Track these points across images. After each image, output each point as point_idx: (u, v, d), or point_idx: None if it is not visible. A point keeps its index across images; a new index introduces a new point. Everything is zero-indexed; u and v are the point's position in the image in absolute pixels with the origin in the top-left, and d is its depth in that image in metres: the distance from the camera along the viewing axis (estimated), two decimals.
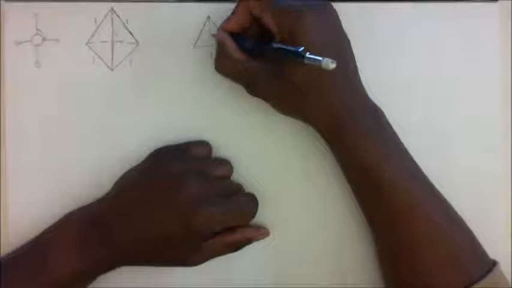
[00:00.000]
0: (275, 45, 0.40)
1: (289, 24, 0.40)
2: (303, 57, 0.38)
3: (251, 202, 0.44)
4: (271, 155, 0.46)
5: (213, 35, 0.45)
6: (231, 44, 0.42)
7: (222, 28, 0.43)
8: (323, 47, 0.40)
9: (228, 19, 0.43)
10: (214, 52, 0.46)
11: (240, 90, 0.45)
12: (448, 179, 0.42)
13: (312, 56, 0.37)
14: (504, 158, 0.46)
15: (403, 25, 0.46)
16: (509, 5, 0.47)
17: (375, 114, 0.42)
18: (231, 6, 0.44)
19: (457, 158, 0.46)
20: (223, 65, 0.43)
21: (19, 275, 0.41)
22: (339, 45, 0.41)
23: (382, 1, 0.46)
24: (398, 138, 0.42)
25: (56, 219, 0.43)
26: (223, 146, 0.46)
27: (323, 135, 0.43)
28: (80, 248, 0.41)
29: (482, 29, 0.47)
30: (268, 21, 0.41)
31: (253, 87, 0.43)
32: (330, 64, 0.36)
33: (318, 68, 0.37)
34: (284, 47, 0.40)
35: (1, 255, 0.43)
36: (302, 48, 0.38)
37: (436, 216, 0.41)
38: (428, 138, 0.45)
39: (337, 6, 0.42)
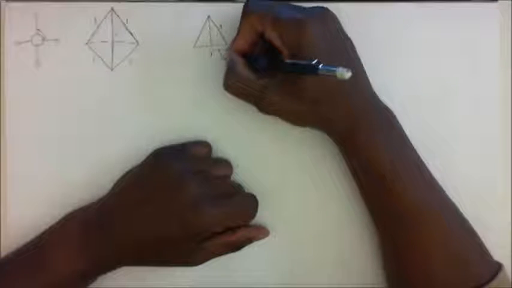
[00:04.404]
0: (287, 61, 0.40)
1: (292, 35, 0.40)
2: (317, 69, 0.37)
3: (251, 202, 0.44)
4: (271, 155, 0.46)
5: (225, 58, 0.45)
6: (239, 62, 0.42)
7: (231, 48, 0.42)
8: (330, 54, 0.40)
9: (235, 39, 0.42)
10: (214, 52, 0.46)
11: None
12: (446, 180, 0.42)
13: (326, 68, 0.37)
14: (503, 159, 0.46)
15: (403, 25, 0.46)
16: (509, 5, 0.47)
17: (387, 115, 0.42)
18: (231, 6, 0.44)
19: (456, 159, 0.46)
20: (233, 84, 0.42)
21: (19, 275, 0.41)
22: (345, 50, 0.41)
23: (381, 1, 0.46)
24: (408, 139, 0.42)
25: (56, 219, 0.43)
26: (223, 146, 0.46)
27: (335, 140, 0.43)
28: (80, 248, 0.41)
29: (482, 29, 0.46)
30: (271, 35, 0.40)
31: (265, 104, 0.42)
32: (345, 73, 0.35)
33: (333, 79, 0.36)
34: (297, 62, 0.39)
35: (1, 255, 0.44)
36: (315, 61, 0.37)
37: (446, 218, 0.41)
38: (426, 140, 0.45)
39: (337, 6, 0.42)
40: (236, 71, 0.42)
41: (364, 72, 0.42)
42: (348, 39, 0.42)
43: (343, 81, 0.36)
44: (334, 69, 0.36)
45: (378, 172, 0.41)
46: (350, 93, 0.41)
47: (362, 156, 0.41)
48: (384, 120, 0.42)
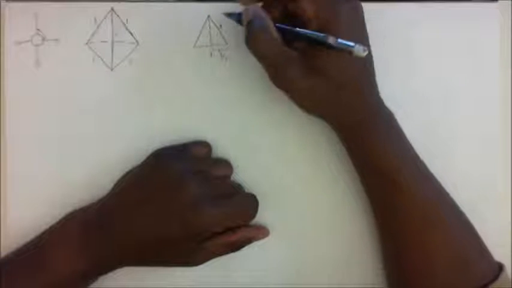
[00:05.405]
0: (303, 30, 0.39)
1: (327, 12, 0.39)
2: (334, 42, 0.37)
3: (251, 202, 0.44)
4: (271, 155, 0.46)
5: (226, 14, 0.43)
6: (269, 21, 0.39)
7: (249, 4, 0.40)
8: (358, 41, 0.38)
9: None
10: (214, 52, 0.46)
11: (240, 90, 0.46)
12: (446, 179, 0.42)
13: (343, 42, 0.36)
14: (503, 159, 0.46)
15: (403, 26, 0.46)
16: (509, 5, 0.47)
17: (391, 116, 0.42)
18: (231, 6, 0.44)
19: (456, 158, 0.46)
20: (260, 44, 0.39)
21: (19, 275, 0.41)
22: (367, 42, 0.41)
23: (382, 2, 0.46)
24: (409, 141, 0.42)
25: (56, 219, 0.43)
26: (223, 146, 0.46)
27: (340, 134, 0.43)
28: (80, 248, 0.41)
29: (482, 29, 0.46)
30: (307, 6, 0.39)
31: (283, 75, 0.40)
32: (361, 51, 0.35)
33: (349, 54, 0.35)
34: (314, 33, 0.38)
35: (1, 255, 0.43)
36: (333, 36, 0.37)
37: (449, 219, 0.41)
38: (427, 140, 0.45)
39: None
40: (269, 30, 0.39)
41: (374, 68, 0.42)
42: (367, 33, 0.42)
43: (365, 73, 0.37)
44: (351, 44, 0.36)
45: (381, 169, 0.41)
46: (367, 87, 0.41)
47: (366, 152, 0.41)
48: (389, 120, 0.42)
